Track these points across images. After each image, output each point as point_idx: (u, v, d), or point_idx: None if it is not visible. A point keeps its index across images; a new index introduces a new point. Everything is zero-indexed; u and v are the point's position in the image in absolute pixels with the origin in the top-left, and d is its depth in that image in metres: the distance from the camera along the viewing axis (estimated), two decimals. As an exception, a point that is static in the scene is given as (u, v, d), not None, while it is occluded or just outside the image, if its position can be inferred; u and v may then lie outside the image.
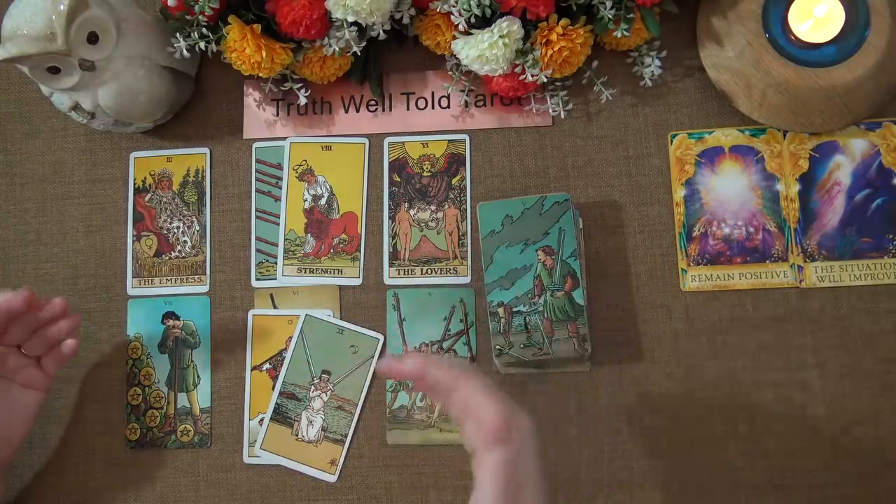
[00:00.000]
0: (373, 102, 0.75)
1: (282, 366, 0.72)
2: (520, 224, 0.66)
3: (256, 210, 0.75)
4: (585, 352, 0.64)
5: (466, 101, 0.74)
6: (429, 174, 0.74)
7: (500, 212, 0.67)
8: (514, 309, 0.65)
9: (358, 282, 0.73)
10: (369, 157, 0.75)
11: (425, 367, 0.52)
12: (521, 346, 0.65)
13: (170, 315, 0.74)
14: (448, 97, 0.74)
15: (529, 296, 0.65)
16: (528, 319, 0.65)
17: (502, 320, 0.65)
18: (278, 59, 0.67)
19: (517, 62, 0.67)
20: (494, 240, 0.66)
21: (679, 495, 0.67)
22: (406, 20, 0.68)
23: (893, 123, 0.70)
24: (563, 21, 0.65)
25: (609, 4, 0.65)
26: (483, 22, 0.66)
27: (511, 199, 0.67)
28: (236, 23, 0.66)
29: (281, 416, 0.71)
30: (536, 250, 0.66)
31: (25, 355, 0.65)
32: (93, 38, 0.65)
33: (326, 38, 0.67)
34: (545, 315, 0.65)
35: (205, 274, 0.74)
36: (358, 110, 0.75)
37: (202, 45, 0.67)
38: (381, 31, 0.68)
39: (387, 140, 0.74)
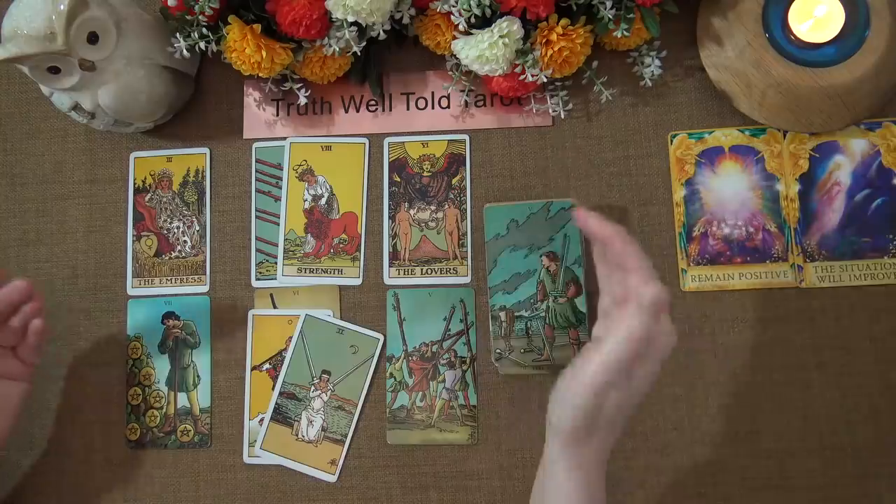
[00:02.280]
0: (373, 102, 0.75)
1: (282, 366, 0.72)
2: (525, 229, 0.66)
3: (256, 210, 0.75)
4: None
5: (466, 101, 0.74)
6: (429, 174, 0.74)
7: (505, 215, 0.67)
8: (516, 313, 0.65)
9: (358, 282, 0.73)
10: (369, 157, 0.75)
11: (618, 238, 0.51)
12: (522, 350, 0.65)
13: (170, 315, 0.74)
14: (448, 97, 0.74)
15: (532, 301, 0.65)
16: (529, 324, 0.65)
17: (504, 324, 0.65)
18: (278, 59, 0.67)
19: (517, 62, 0.67)
20: (499, 243, 0.66)
21: (679, 495, 0.67)
22: (406, 20, 0.68)
23: (893, 123, 0.70)
24: (563, 21, 0.65)
25: (609, 4, 0.65)
26: (483, 22, 0.66)
27: (517, 203, 0.67)
28: (236, 23, 0.66)
29: (281, 416, 0.71)
30: (540, 255, 0.66)
31: (1, 346, 0.64)
32: (93, 38, 0.65)
33: (326, 38, 0.67)
34: (546, 321, 0.65)
35: (205, 274, 0.74)
36: (358, 110, 0.75)
37: (202, 45, 0.67)
38: (381, 31, 0.68)
39: (387, 140, 0.74)
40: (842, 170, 0.70)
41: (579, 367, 0.49)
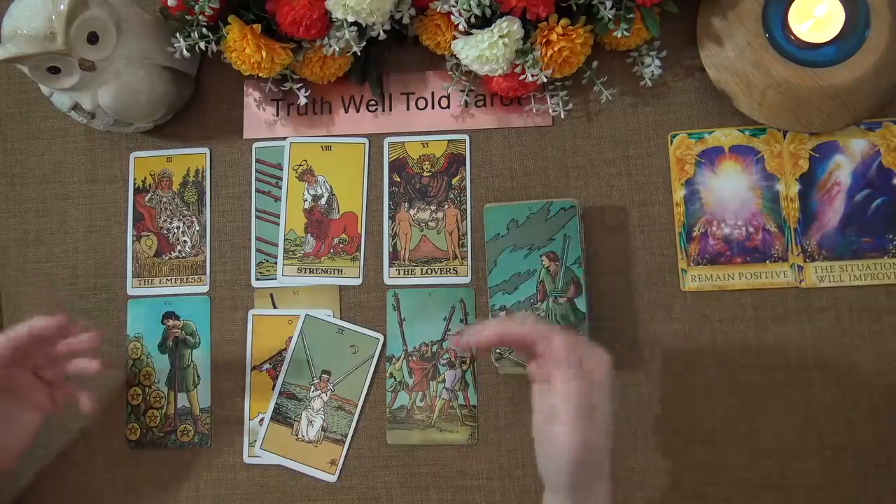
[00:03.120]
0: (373, 102, 0.75)
1: (282, 366, 0.72)
2: (525, 229, 0.66)
3: (256, 210, 0.75)
4: None
5: (466, 101, 0.74)
6: (429, 174, 0.74)
7: (505, 215, 0.67)
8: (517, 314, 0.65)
9: (358, 282, 0.73)
10: (369, 157, 0.75)
11: (503, 334, 0.53)
12: None
13: (170, 315, 0.74)
14: (448, 97, 0.74)
15: (532, 301, 0.65)
16: None
17: None
18: (278, 59, 0.67)
19: (517, 62, 0.67)
20: (499, 243, 0.66)
21: (679, 495, 0.67)
22: (406, 20, 0.68)
23: (893, 123, 0.70)
24: (563, 21, 0.65)
25: (609, 4, 0.65)
26: (483, 22, 0.66)
27: (517, 204, 0.67)
28: (236, 23, 0.66)
29: (281, 416, 0.71)
30: (540, 256, 0.66)
31: (39, 379, 0.65)
32: (93, 38, 0.65)
33: (326, 38, 0.67)
34: (547, 321, 0.65)
35: (205, 274, 0.74)
36: (358, 110, 0.75)
37: (202, 45, 0.67)
38: (381, 31, 0.68)
39: (387, 140, 0.74)
40: (842, 170, 0.70)
41: (548, 436, 0.51)
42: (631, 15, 0.66)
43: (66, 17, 0.62)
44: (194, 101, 0.76)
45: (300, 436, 0.71)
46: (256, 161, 0.75)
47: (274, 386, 0.72)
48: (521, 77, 0.67)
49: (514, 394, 0.70)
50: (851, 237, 0.69)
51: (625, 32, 0.66)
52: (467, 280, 0.71)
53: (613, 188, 0.72)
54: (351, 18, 0.65)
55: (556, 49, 0.65)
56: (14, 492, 0.72)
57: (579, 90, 0.73)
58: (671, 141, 0.72)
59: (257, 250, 0.74)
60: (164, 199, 0.76)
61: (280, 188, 0.75)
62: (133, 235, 0.76)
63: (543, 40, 0.66)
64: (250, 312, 0.73)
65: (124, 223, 0.76)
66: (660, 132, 0.72)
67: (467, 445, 0.70)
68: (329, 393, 0.71)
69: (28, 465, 0.72)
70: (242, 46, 0.66)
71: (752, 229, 0.70)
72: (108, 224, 0.76)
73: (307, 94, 0.72)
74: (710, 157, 0.71)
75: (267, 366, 0.72)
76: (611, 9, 0.65)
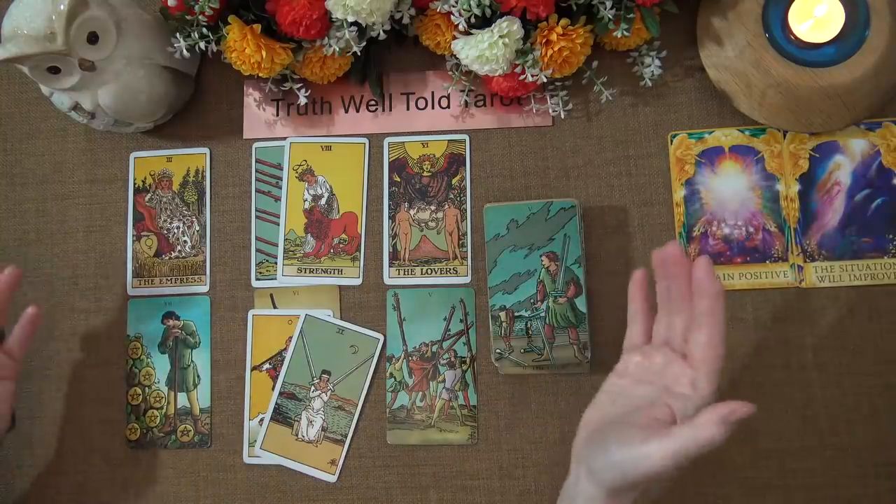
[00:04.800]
0: (373, 102, 0.75)
1: (282, 366, 0.72)
2: (525, 229, 0.66)
3: (256, 210, 0.75)
4: (585, 359, 0.64)
5: (466, 101, 0.74)
6: (429, 174, 0.74)
7: (505, 215, 0.67)
8: (516, 313, 0.65)
9: (358, 282, 0.73)
10: (369, 157, 0.75)
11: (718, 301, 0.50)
12: (522, 350, 0.65)
13: (170, 315, 0.74)
14: (448, 97, 0.74)
15: (532, 301, 0.65)
16: (529, 324, 0.65)
17: (504, 324, 0.65)
18: (278, 59, 0.67)
19: (517, 62, 0.67)
20: (499, 243, 0.66)
21: (679, 495, 0.67)
22: (406, 20, 0.68)
23: (893, 123, 0.70)
24: (563, 21, 0.65)
25: (609, 4, 0.65)
26: (483, 22, 0.66)
27: (517, 204, 0.67)
28: (236, 23, 0.66)
29: (281, 416, 0.71)
30: (540, 255, 0.66)
31: None
32: (93, 38, 0.65)
33: (326, 38, 0.67)
34: (546, 321, 0.65)
35: (205, 274, 0.74)
36: (358, 110, 0.75)
37: (202, 45, 0.67)
38: (381, 31, 0.68)
39: (387, 140, 0.74)
40: (842, 170, 0.70)
41: (642, 436, 0.48)
42: (631, 15, 0.66)
43: (66, 17, 0.62)
44: (194, 101, 0.76)
45: (300, 436, 0.71)
46: (256, 161, 0.75)
47: (274, 386, 0.72)
48: (521, 77, 0.67)
49: (514, 394, 0.70)
50: (851, 237, 0.69)
51: (625, 32, 0.66)
52: (467, 280, 0.71)
53: (613, 188, 0.72)
54: (351, 18, 0.65)
55: (556, 49, 0.65)
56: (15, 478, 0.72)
57: (579, 90, 0.73)
58: (671, 141, 0.72)
59: (257, 250, 0.74)
60: (164, 199, 0.76)
61: (280, 188, 0.75)
62: (133, 235, 0.76)
63: (543, 40, 0.66)
64: (250, 312, 0.73)
65: (124, 223, 0.76)
66: (660, 132, 0.72)
67: (467, 445, 0.70)
68: (329, 393, 0.71)
69: (28, 465, 0.72)
70: (242, 46, 0.66)
71: (752, 229, 0.70)
72: (108, 224, 0.76)
73: (307, 94, 0.72)
74: (710, 157, 0.71)
75: (267, 366, 0.72)
76: (611, 9, 0.65)
